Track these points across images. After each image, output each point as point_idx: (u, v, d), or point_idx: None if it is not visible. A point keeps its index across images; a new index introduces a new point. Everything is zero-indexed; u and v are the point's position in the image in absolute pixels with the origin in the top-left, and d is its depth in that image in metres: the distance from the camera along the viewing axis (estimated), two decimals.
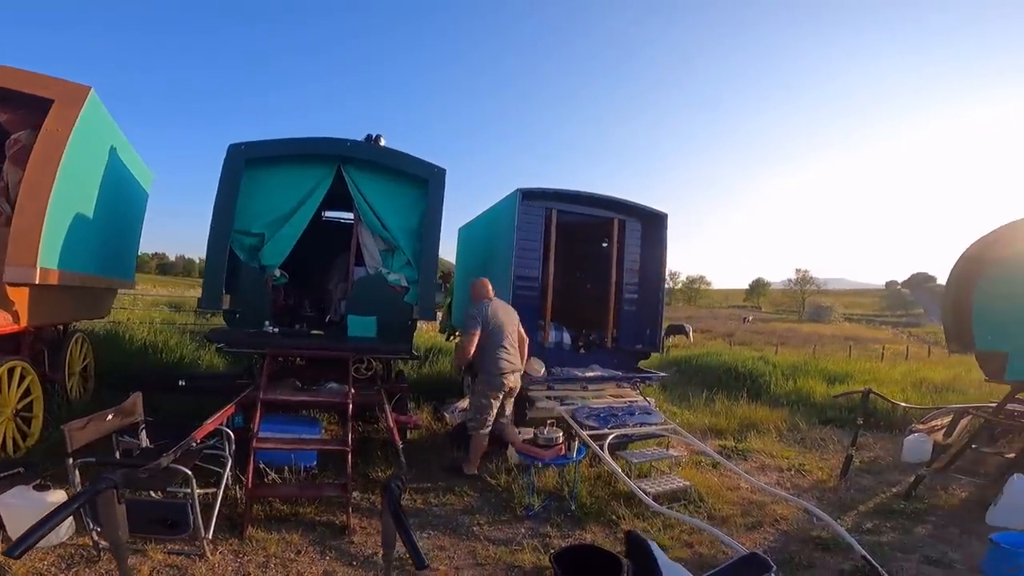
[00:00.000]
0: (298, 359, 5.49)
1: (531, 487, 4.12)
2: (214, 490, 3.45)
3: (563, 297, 6.55)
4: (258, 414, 3.95)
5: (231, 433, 3.75)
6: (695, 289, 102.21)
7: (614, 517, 3.90)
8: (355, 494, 4.20)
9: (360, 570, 3.14)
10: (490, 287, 4.95)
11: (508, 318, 4.80)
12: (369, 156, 5.44)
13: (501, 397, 4.71)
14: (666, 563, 2.10)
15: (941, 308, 6.42)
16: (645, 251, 6.34)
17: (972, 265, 5.84)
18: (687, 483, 4.35)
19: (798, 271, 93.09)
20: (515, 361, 4.75)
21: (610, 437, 4.51)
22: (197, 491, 3.07)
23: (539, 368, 5.33)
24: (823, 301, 75.17)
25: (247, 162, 5.05)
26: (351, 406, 4.16)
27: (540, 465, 4.28)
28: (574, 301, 6.89)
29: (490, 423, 4.67)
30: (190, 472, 2.99)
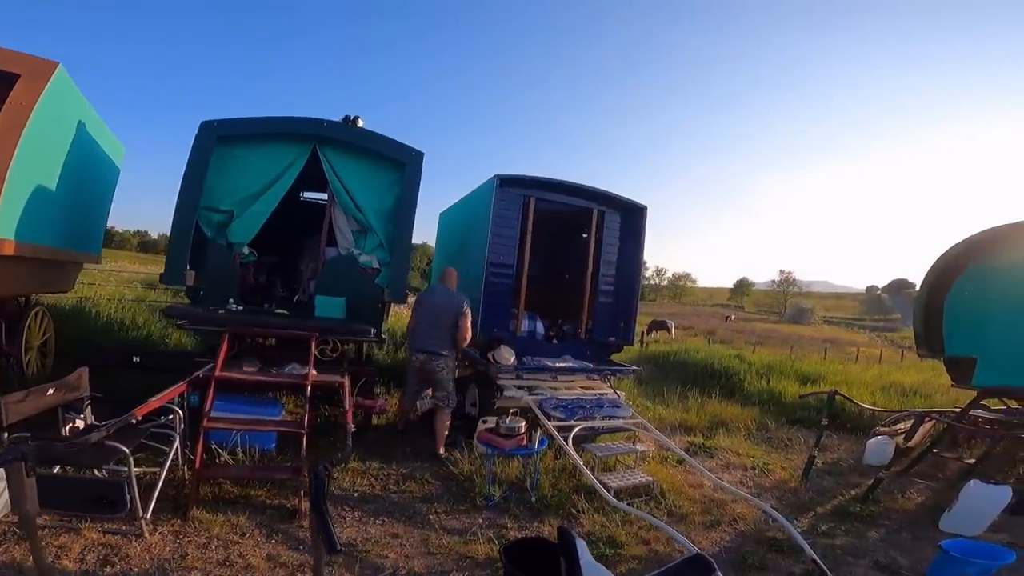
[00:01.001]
0: (270, 339, 5.43)
1: (491, 477, 4.07)
2: (157, 469, 3.34)
3: (538, 286, 6.49)
4: (211, 393, 3.84)
5: (180, 411, 3.66)
6: (680, 286, 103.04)
7: (573, 511, 3.87)
8: None
9: (305, 555, 3.07)
10: (451, 278, 5.17)
11: (443, 302, 5.00)
12: (346, 137, 5.40)
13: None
14: (588, 562, 2.06)
15: (913, 312, 6.48)
16: (623, 243, 6.28)
17: (946, 270, 5.88)
18: (650, 479, 4.34)
19: (782, 272, 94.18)
20: (430, 343, 4.94)
21: (575, 429, 4.48)
22: (139, 470, 2.99)
23: (509, 357, 5.27)
24: (805, 303, 76.19)
25: (219, 139, 5.04)
26: (309, 387, 4.06)
27: (501, 455, 4.23)
28: (549, 291, 6.83)
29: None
30: (127, 450, 2.89)
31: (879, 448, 5.78)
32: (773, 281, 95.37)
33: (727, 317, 54.21)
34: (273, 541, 3.18)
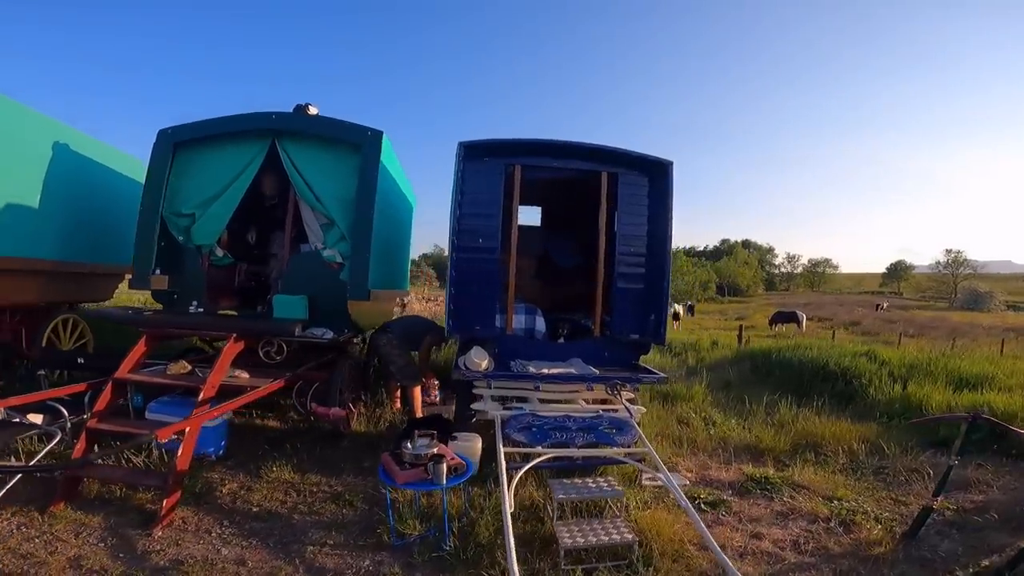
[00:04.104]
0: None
1: (391, 513, 3.15)
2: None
3: (538, 273, 5.33)
4: (107, 393, 3.69)
5: (63, 409, 3.66)
6: (819, 273, 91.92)
7: (492, 571, 2.74)
8: (225, 488, 3.73)
9: (115, 562, 2.78)
10: None
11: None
12: (299, 127, 5.08)
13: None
14: None
15: None
16: (646, 212, 4.87)
17: None
18: (632, 538, 2.98)
19: (948, 252, 79.03)
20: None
21: (537, 460, 3.34)
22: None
23: (480, 361, 4.23)
24: (981, 286, 62.68)
25: (177, 145, 5.04)
26: (202, 390, 3.69)
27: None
28: (554, 278, 5.61)
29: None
30: None
31: None
32: (938, 263, 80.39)
33: (878, 305, 46.59)
34: (102, 545, 2.95)
